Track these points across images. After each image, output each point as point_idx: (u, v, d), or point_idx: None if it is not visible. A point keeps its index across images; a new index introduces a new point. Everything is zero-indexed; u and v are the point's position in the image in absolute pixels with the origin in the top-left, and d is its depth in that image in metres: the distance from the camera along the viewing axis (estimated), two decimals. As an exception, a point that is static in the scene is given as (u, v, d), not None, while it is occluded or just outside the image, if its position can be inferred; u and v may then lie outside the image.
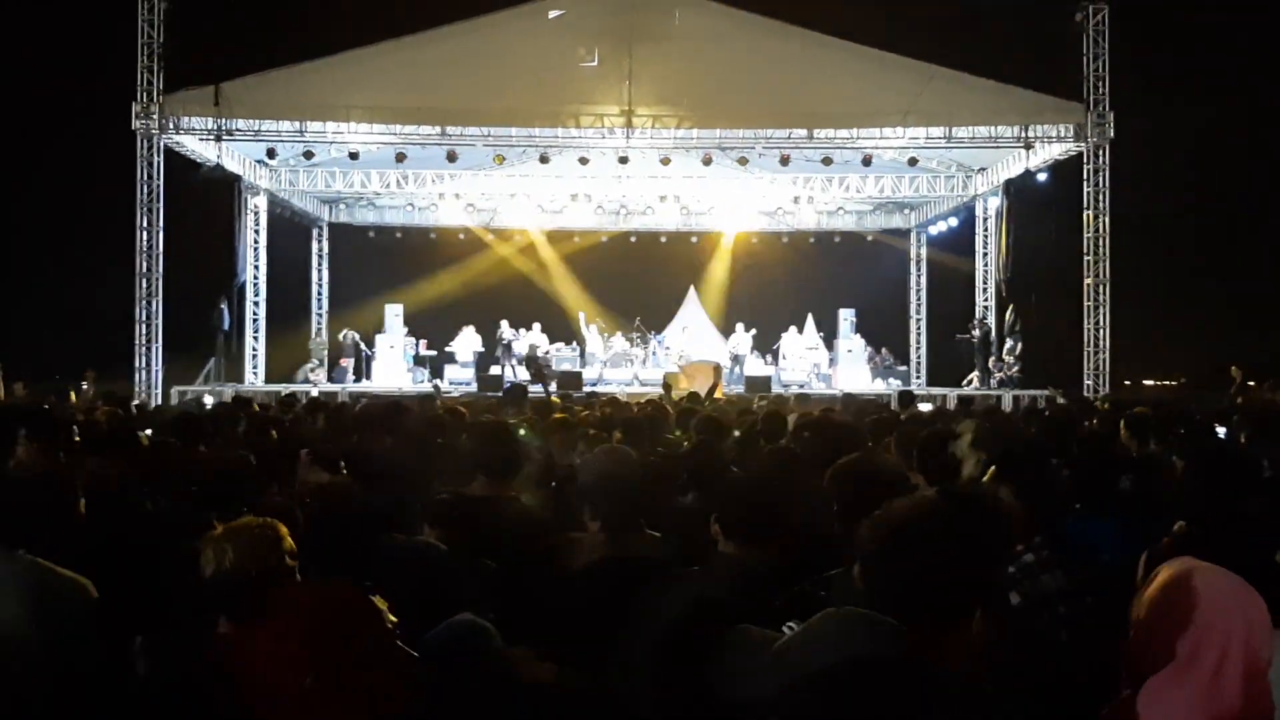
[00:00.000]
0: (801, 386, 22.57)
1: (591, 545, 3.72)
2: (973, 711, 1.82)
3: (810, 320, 25.24)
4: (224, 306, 20.91)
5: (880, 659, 1.83)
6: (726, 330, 25.59)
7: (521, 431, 4.52)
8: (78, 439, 6.10)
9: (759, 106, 19.27)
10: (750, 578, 3.22)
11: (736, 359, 23.90)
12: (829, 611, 1.96)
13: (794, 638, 1.99)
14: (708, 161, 20.37)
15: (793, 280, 26.12)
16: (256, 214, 23.12)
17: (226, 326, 21.05)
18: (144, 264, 19.69)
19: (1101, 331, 20.00)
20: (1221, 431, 7.24)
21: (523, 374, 21.25)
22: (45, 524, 3.37)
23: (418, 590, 3.09)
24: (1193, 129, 23.54)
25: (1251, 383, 18.06)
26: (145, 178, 19.53)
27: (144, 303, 19.75)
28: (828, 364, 24.46)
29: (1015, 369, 21.26)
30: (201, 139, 19.85)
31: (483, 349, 24.09)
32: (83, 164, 23.42)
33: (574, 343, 24.83)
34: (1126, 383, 22.92)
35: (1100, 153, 19.61)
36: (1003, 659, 2.32)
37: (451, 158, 20.28)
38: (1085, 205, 19.78)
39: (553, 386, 16.95)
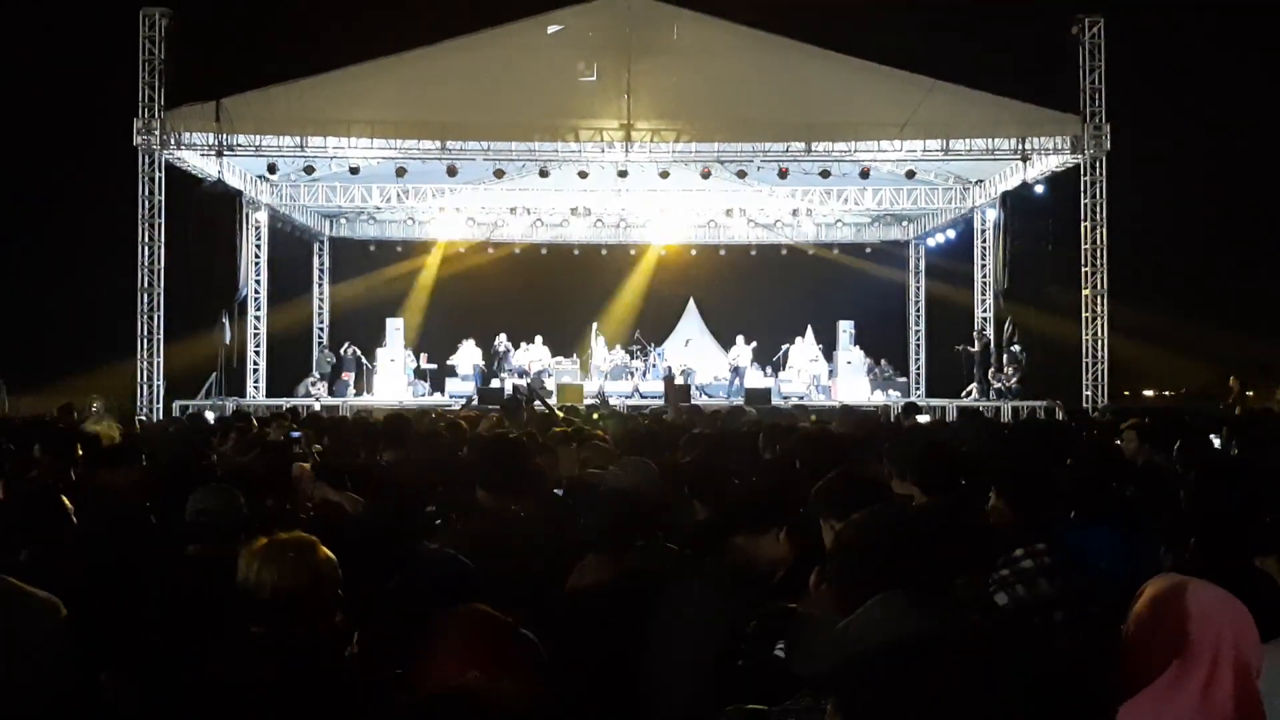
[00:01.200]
0: (801, 398, 22.62)
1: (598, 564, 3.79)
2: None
3: (810, 332, 25.30)
4: (225, 321, 20.97)
5: (931, 633, 1.88)
6: (726, 343, 25.62)
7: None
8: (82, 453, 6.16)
9: (757, 120, 19.35)
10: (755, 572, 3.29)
11: (737, 371, 23.94)
12: (879, 596, 2.04)
13: (849, 622, 2.06)
14: (706, 175, 20.45)
15: (792, 292, 26.21)
16: (258, 229, 23.18)
17: (228, 341, 21.10)
18: (146, 279, 19.78)
19: (1100, 343, 20.07)
20: (1216, 441, 7.31)
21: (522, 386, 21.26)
22: (44, 535, 3.38)
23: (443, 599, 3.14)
24: (1190, 139, 23.65)
25: (1250, 392, 18.13)
26: (147, 193, 19.64)
27: (146, 317, 19.83)
28: (827, 376, 24.51)
29: (1014, 380, 21.32)
30: (203, 154, 19.94)
31: (483, 362, 24.16)
32: (85, 180, 23.54)
33: (574, 355, 24.87)
34: (1126, 393, 22.96)
35: (1097, 164, 19.71)
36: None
37: (451, 172, 20.37)
38: (1082, 217, 19.87)
39: (551, 401, 16.94)
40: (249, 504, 4.28)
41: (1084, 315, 20.11)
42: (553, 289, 26.60)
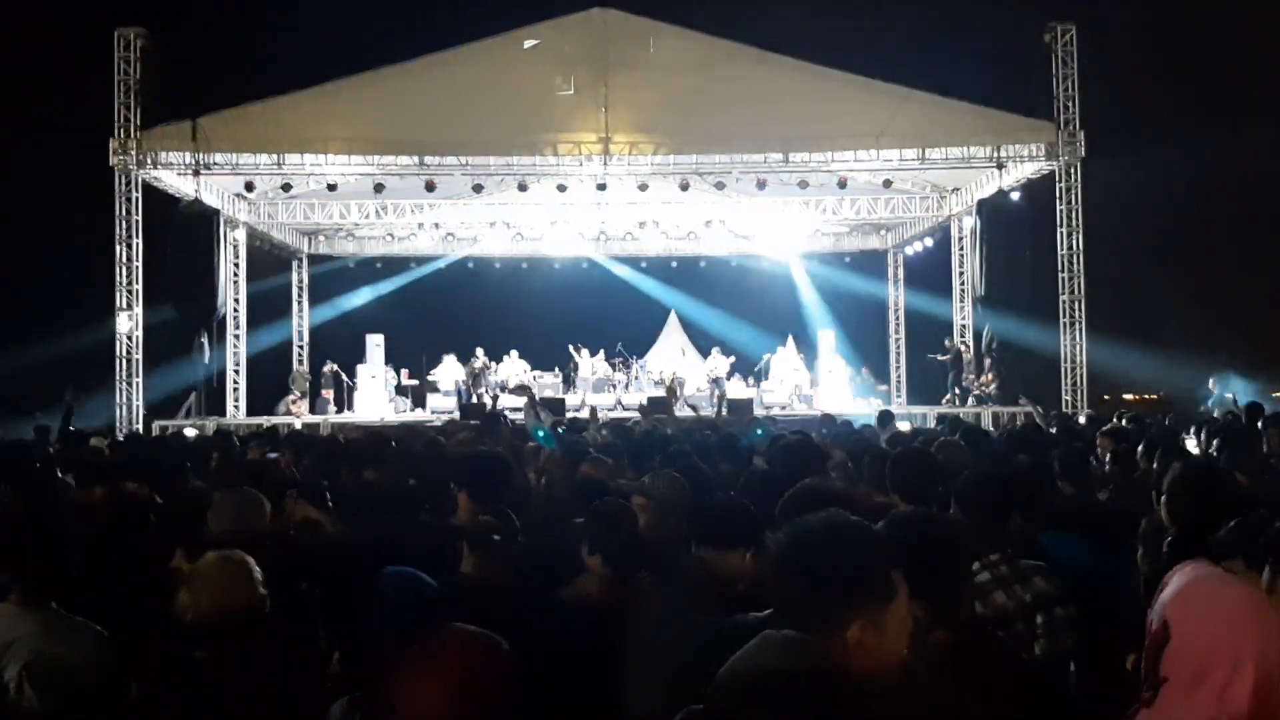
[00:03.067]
0: (784, 408, 22.68)
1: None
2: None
3: (791, 342, 25.38)
4: (204, 340, 20.89)
5: (782, 670, 1.85)
6: (708, 354, 25.65)
7: (540, 433, 4.55)
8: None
9: (735, 131, 19.43)
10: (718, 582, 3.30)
11: (715, 382, 23.95)
12: (766, 632, 1.96)
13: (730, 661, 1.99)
14: (685, 187, 20.51)
15: (773, 303, 26.30)
16: (236, 247, 23.12)
17: (207, 360, 21.02)
18: (123, 299, 19.70)
19: (1078, 348, 20.20)
20: (1191, 444, 7.37)
21: (505, 401, 21.22)
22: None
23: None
24: (1162, 145, 23.84)
25: (1229, 395, 18.24)
26: (124, 213, 19.58)
27: (124, 338, 19.74)
28: (809, 385, 24.58)
29: (993, 386, 21.44)
30: (180, 174, 19.90)
31: (464, 378, 24.12)
32: (61, 200, 23.38)
33: (555, 369, 24.86)
34: (1105, 398, 23.08)
35: (1072, 171, 19.86)
36: (965, 669, 2.33)
37: (430, 187, 20.37)
38: (1058, 223, 20.01)
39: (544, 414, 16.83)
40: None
41: (1061, 320, 20.24)
42: (533, 303, 26.60)
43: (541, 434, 4.48)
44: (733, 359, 24.44)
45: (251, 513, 4.23)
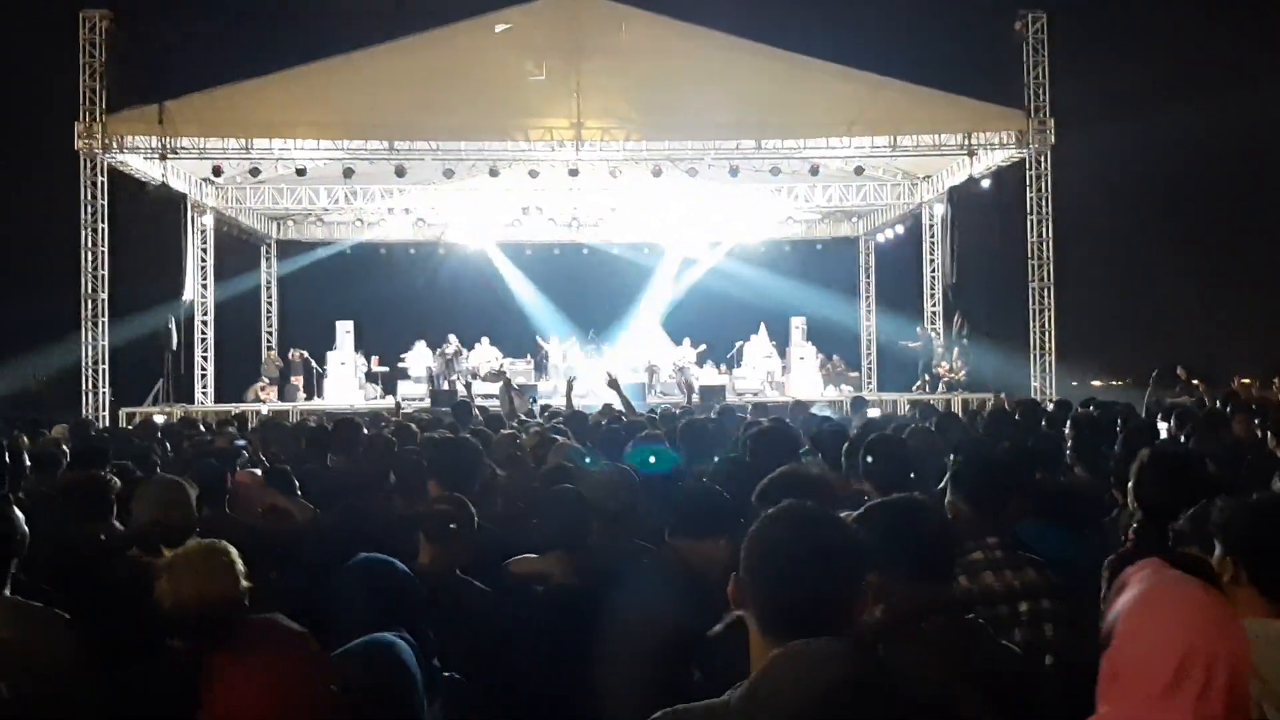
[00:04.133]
0: (755, 395, 22.72)
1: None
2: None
3: (763, 329, 25.41)
4: (171, 326, 20.69)
5: (848, 681, 1.73)
6: (679, 341, 25.64)
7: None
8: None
9: (707, 118, 19.40)
10: (694, 573, 3.28)
11: (682, 370, 23.91)
12: (775, 655, 1.83)
13: (754, 686, 1.84)
14: (657, 173, 20.46)
15: (744, 289, 26.29)
16: (203, 232, 22.90)
17: (175, 346, 20.82)
18: (89, 285, 19.47)
19: (1047, 334, 20.34)
20: (1163, 428, 7.42)
21: (478, 387, 21.14)
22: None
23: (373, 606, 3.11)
24: (1134, 133, 23.98)
25: (1195, 381, 18.41)
26: (89, 198, 19.32)
27: (90, 323, 19.52)
28: (780, 372, 24.63)
29: (963, 373, 21.56)
30: (146, 158, 19.65)
31: (435, 365, 24.01)
32: (25, 185, 23.04)
33: (527, 355, 24.79)
34: (1074, 384, 23.26)
35: (1042, 159, 19.97)
36: (956, 657, 2.33)
37: (400, 172, 20.22)
38: (1028, 210, 20.12)
39: (519, 400, 16.70)
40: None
41: (1031, 307, 20.37)
42: (504, 288, 26.50)
43: (588, 460, 4.37)
44: (703, 347, 24.44)
45: (172, 500, 4.14)
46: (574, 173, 19.95)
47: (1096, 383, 26.54)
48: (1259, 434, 7.24)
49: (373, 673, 2.85)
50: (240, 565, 2.95)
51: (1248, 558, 2.46)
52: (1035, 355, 20.37)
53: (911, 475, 4.80)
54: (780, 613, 1.89)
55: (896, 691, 1.74)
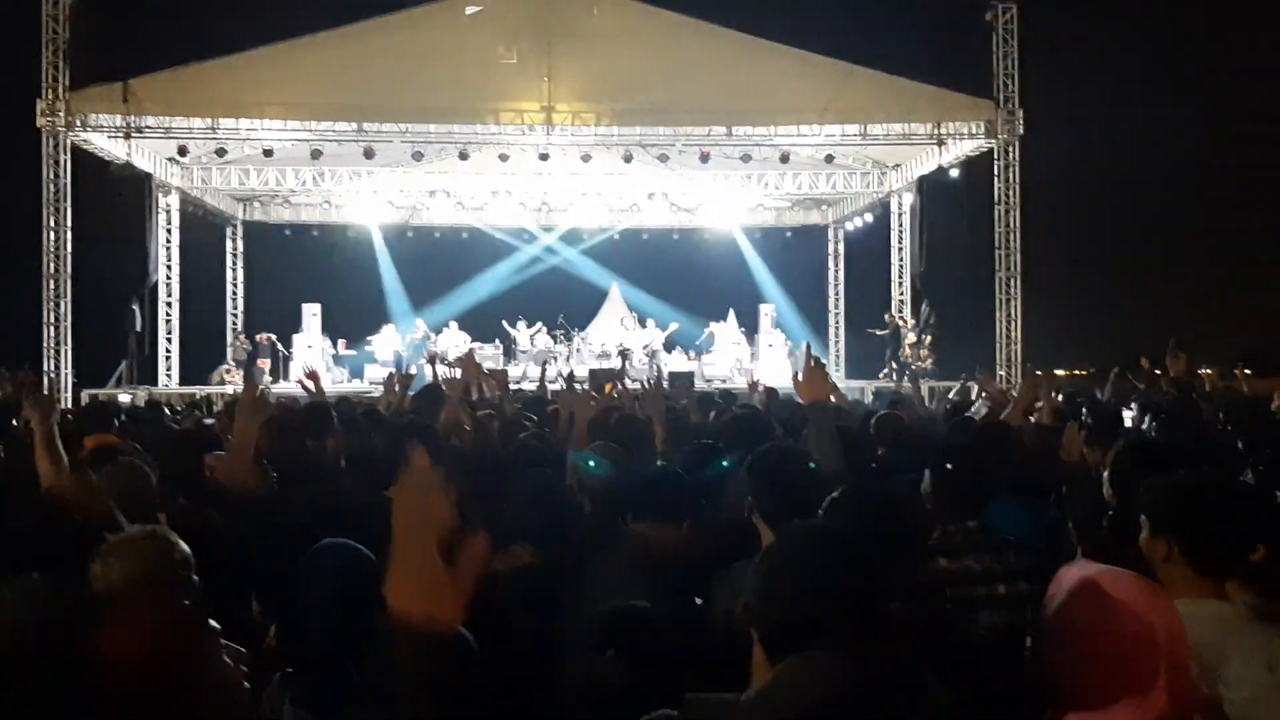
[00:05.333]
0: (724, 381, 22.75)
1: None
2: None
3: (732, 315, 25.45)
4: (136, 307, 20.45)
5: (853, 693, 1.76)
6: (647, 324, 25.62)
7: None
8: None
9: (678, 104, 19.37)
10: (656, 557, 3.27)
11: (652, 355, 23.93)
12: (786, 662, 1.83)
13: (759, 691, 1.86)
14: (628, 158, 20.43)
15: (714, 276, 26.34)
16: (168, 212, 22.65)
17: (139, 328, 20.59)
18: (51, 265, 19.20)
19: (1013, 323, 20.50)
20: (1128, 416, 7.50)
21: (445, 372, 21.02)
22: None
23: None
24: (1102, 124, 24.21)
25: (1158, 371, 18.60)
26: (52, 176, 19.03)
27: (52, 304, 19.26)
28: (749, 359, 24.68)
29: (929, 361, 21.69)
30: (110, 136, 19.38)
31: (403, 348, 23.87)
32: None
33: (496, 340, 24.70)
34: (1039, 373, 23.46)
35: (1010, 149, 20.09)
36: (926, 646, 2.34)
37: (368, 154, 20.08)
38: (995, 200, 20.25)
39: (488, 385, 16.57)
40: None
41: (998, 297, 20.52)
42: (474, 273, 26.39)
43: (592, 463, 4.30)
44: (672, 328, 24.44)
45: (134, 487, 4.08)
46: (544, 157, 19.89)
47: (1060, 371, 26.79)
48: (1222, 425, 7.32)
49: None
50: (181, 553, 2.88)
51: (1179, 536, 2.49)
52: (1001, 344, 20.53)
53: (873, 464, 4.86)
54: (791, 631, 1.88)
55: (879, 705, 1.77)
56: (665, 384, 19.42)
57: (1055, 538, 3.69)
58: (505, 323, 24.56)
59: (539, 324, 24.86)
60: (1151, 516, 2.56)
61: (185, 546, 2.88)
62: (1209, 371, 18.58)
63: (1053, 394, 8.26)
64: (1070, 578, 2.20)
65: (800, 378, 4.08)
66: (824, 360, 23.44)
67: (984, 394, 8.32)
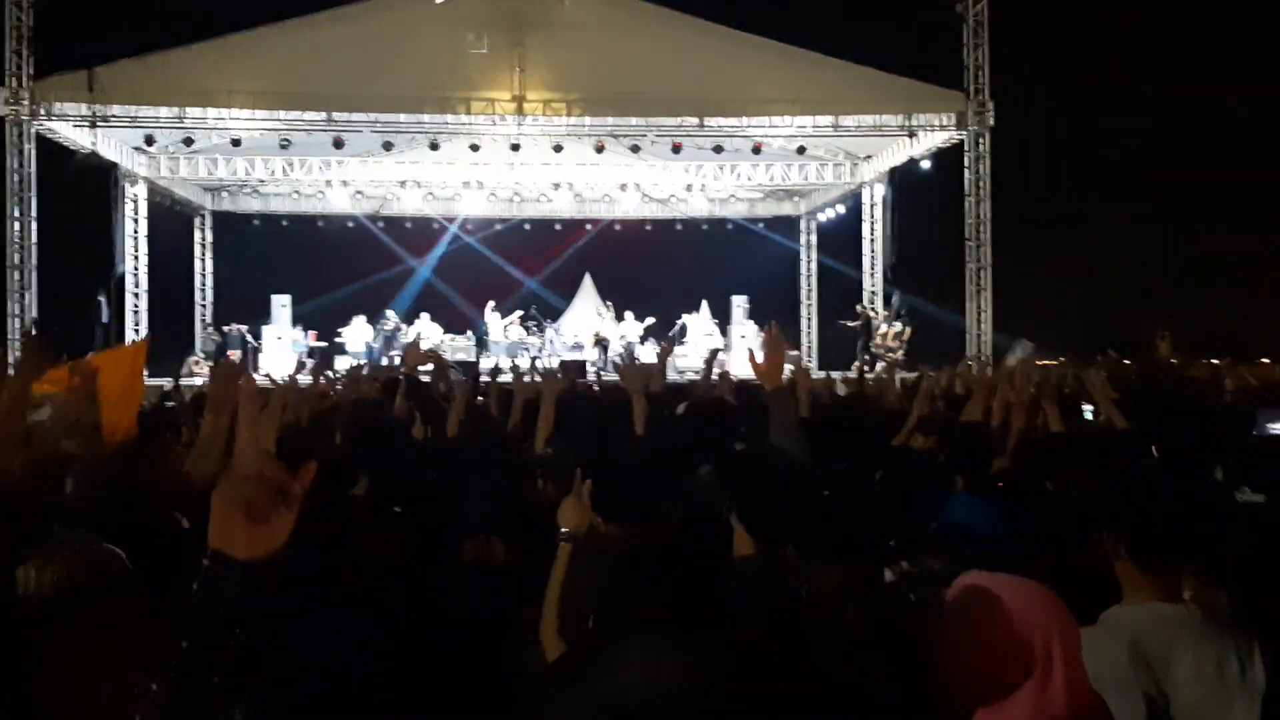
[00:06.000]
0: (697, 372, 22.71)
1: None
2: None
3: (704, 306, 25.44)
4: (103, 299, 20.23)
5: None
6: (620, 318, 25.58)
7: None
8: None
9: (650, 94, 19.32)
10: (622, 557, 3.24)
11: (628, 347, 23.91)
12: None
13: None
14: (600, 149, 20.37)
15: (686, 267, 26.34)
16: (135, 203, 22.41)
17: (106, 320, 20.37)
18: (16, 256, 18.96)
19: (983, 315, 20.59)
20: (1088, 410, 7.51)
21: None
22: None
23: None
24: (1072, 115, 24.35)
25: (1127, 361, 18.75)
26: (16, 166, 18.79)
27: (17, 295, 19.02)
28: (722, 350, 24.65)
29: (900, 352, 21.75)
30: (75, 125, 19.14)
31: (374, 340, 23.72)
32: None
33: (468, 332, 24.59)
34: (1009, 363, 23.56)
35: (980, 140, 20.16)
36: (874, 639, 2.33)
37: (338, 144, 19.91)
38: (966, 192, 20.32)
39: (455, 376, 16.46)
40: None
41: (968, 288, 20.60)
42: (446, 264, 26.27)
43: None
44: (650, 320, 24.42)
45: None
46: (515, 147, 19.81)
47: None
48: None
49: None
50: (116, 553, 2.80)
51: (1125, 534, 2.48)
52: (972, 335, 20.62)
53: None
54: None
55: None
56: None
57: (1018, 533, 3.69)
58: (491, 304, 24.39)
59: (514, 314, 24.76)
60: (1099, 515, 2.55)
61: (124, 563, 2.78)
62: (1174, 362, 18.72)
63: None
64: (958, 588, 2.21)
65: (758, 359, 3.99)
66: (795, 352, 23.35)
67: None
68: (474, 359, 22.29)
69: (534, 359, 20.66)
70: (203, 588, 1.43)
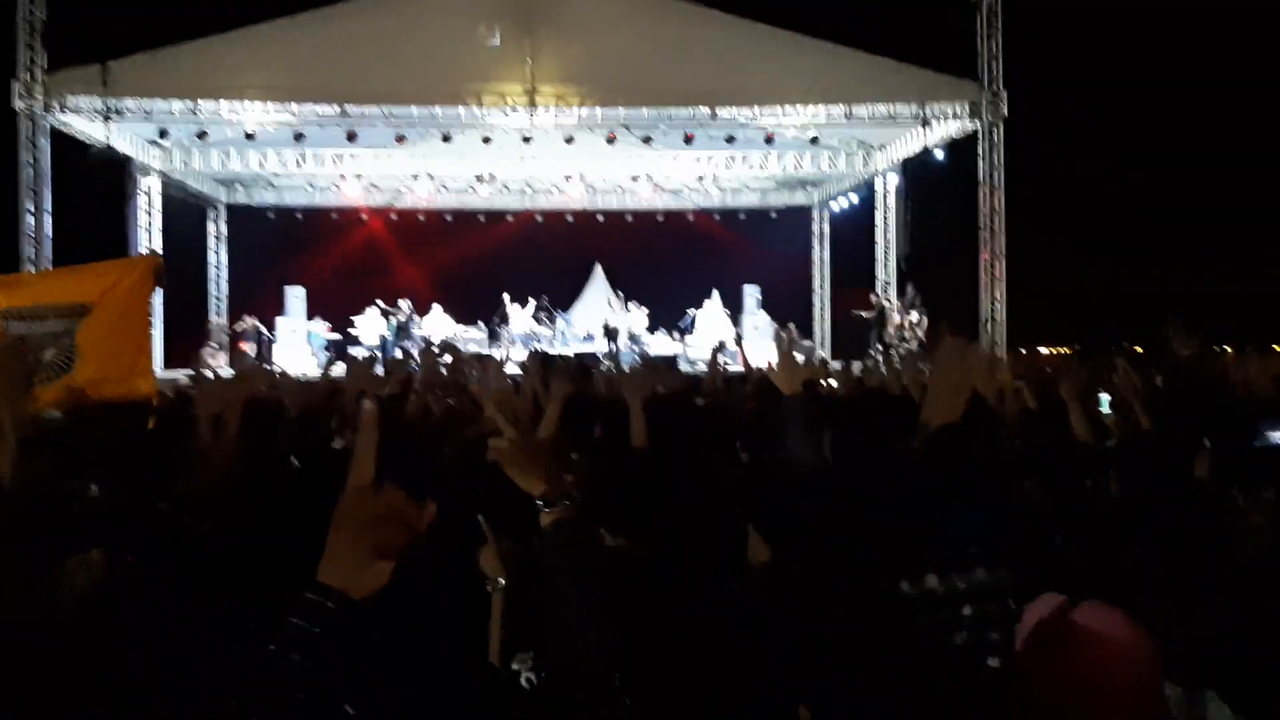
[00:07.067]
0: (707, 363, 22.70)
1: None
2: None
3: (717, 296, 25.42)
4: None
5: None
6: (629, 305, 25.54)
7: None
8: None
9: (662, 85, 19.25)
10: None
11: (633, 338, 23.89)
12: None
13: None
14: (612, 140, 20.35)
15: (698, 258, 26.29)
16: (149, 196, 22.46)
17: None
18: (30, 250, 19.03)
19: (997, 305, 20.50)
20: (1105, 399, 7.46)
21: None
22: None
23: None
24: (1087, 105, 24.22)
25: (1139, 349, 18.63)
26: (30, 160, 18.85)
27: (32, 289, 19.09)
28: (734, 341, 24.65)
29: (916, 344, 21.69)
30: (89, 119, 19.19)
31: (389, 331, 23.76)
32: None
33: (480, 323, 24.62)
34: (1023, 351, 23.52)
35: (994, 130, 20.05)
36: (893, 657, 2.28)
37: (351, 137, 19.95)
38: (980, 181, 20.21)
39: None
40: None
41: (982, 278, 20.51)
42: (458, 256, 26.27)
43: None
44: (645, 311, 24.38)
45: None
46: (527, 139, 19.79)
47: (1044, 350, 26.83)
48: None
49: None
50: None
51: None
52: (987, 325, 20.54)
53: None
54: None
55: None
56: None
57: (1019, 545, 3.62)
58: (507, 296, 24.38)
59: (530, 301, 24.76)
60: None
61: None
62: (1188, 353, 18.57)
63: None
64: (1036, 611, 2.11)
65: (776, 368, 3.99)
66: (809, 343, 23.33)
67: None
68: (487, 350, 22.33)
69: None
70: (311, 624, 1.38)
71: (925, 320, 21.72)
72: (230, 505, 3.52)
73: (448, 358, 7.79)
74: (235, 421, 4.06)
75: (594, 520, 2.98)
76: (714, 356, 9.07)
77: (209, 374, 4.99)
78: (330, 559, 1.42)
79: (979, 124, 19.95)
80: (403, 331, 23.11)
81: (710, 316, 25.04)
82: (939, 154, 20.72)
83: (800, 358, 3.99)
